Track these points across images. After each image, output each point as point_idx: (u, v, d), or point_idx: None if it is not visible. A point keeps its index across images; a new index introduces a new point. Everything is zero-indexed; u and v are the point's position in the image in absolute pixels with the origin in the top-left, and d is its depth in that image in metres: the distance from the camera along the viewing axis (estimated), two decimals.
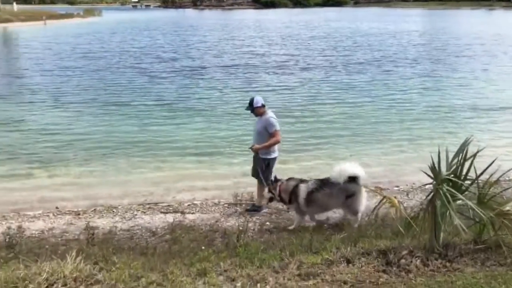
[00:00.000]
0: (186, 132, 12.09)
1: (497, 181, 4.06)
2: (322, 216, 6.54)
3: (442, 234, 3.98)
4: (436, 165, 3.90)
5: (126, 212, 7.17)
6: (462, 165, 3.91)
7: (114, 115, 13.96)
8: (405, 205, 5.54)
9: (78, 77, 20.88)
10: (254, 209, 7.00)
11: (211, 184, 8.61)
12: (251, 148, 6.87)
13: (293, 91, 17.48)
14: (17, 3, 77.57)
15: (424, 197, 4.66)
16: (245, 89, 17.85)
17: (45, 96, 16.83)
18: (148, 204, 7.58)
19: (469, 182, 3.97)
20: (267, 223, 6.55)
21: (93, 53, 30.30)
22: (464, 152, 3.92)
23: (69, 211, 7.31)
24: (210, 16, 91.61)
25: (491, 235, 4.04)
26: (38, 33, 47.79)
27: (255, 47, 33.45)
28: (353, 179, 5.89)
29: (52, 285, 3.36)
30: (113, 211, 7.21)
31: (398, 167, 9.56)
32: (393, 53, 29.06)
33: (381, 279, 3.62)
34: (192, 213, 7.07)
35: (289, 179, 6.40)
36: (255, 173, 6.95)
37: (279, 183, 6.36)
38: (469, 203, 3.77)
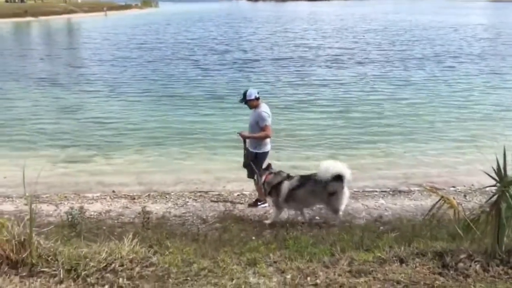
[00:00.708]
0: (237, 124, 12.18)
1: None
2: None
3: (505, 239, 3.76)
4: (502, 167, 3.69)
5: (178, 198, 7.40)
6: None
7: (167, 106, 14.41)
8: (463, 206, 5.28)
9: (133, 68, 21.69)
10: (256, 203, 7.01)
11: None
12: (239, 133, 6.74)
13: (347, 86, 17.09)
14: None
15: (484, 200, 4.40)
16: (297, 83, 17.72)
17: (101, 85, 17.66)
18: (200, 192, 7.77)
19: None
20: (317, 217, 6.50)
21: (148, 44, 31.32)
22: None
23: (125, 195, 7.65)
24: (263, 8, 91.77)
25: None
26: (98, 24, 50.14)
27: (308, 39, 33.10)
28: (338, 177, 5.84)
29: (110, 264, 3.52)
30: (166, 197, 7.46)
31: (455, 167, 9.15)
32: (456, 48, 27.67)
33: (436, 282, 3.48)
34: (241, 204, 7.17)
35: (278, 172, 6.33)
36: (246, 165, 6.80)
37: (267, 173, 6.34)
38: None
